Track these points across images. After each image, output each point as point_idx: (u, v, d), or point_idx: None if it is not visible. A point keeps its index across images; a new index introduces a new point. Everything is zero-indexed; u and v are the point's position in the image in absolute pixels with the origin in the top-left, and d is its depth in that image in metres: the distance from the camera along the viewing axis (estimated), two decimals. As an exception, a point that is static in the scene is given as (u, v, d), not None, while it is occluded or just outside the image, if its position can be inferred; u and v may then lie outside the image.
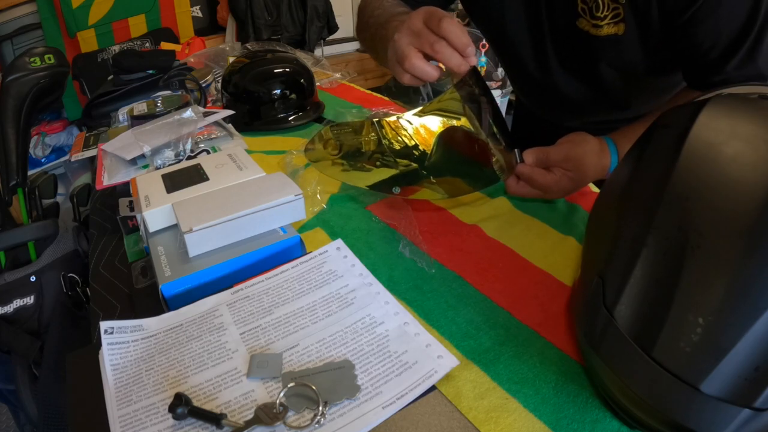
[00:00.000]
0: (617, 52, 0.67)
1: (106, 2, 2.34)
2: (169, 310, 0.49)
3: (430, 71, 0.57)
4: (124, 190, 0.74)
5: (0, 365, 1.01)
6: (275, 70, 1.00)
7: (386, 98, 1.15)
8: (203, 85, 1.12)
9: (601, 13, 0.63)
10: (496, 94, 2.76)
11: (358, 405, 0.39)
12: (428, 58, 0.57)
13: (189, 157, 0.76)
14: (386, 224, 0.65)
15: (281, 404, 0.39)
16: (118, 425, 0.38)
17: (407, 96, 2.96)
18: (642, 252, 0.36)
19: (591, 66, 0.73)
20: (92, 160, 0.98)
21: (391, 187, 0.65)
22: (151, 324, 0.47)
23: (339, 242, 0.56)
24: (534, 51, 0.77)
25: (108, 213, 0.77)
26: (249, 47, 1.26)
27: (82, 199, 1.25)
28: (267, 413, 0.38)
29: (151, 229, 0.56)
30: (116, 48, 2.38)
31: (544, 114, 0.95)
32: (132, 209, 0.65)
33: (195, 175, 0.63)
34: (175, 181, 0.61)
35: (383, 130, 0.69)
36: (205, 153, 0.79)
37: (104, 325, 0.45)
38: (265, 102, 0.97)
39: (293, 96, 0.99)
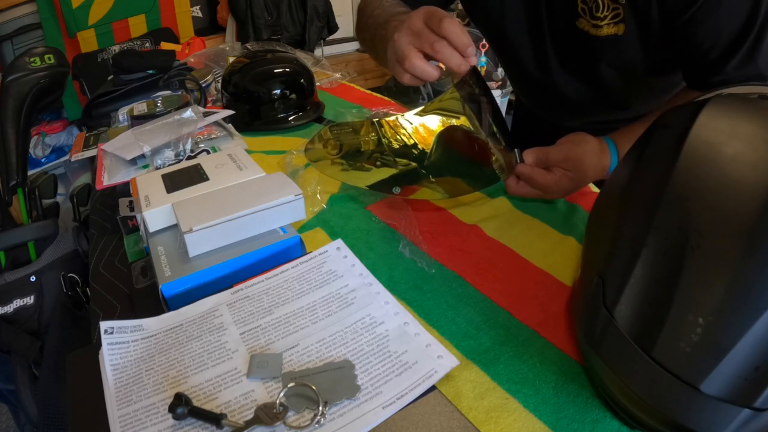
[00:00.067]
0: (617, 52, 0.67)
1: (106, 2, 2.34)
2: (169, 310, 0.49)
3: (430, 71, 0.57)
4: (124, 190, 0.74)
5: (0, 365, 1.01)
6: (275, 70, 1.00)
7: (386, 98, 1.15)
8: (203, 85, 1.12)
9: (601, 13, 0.63)
10: (496, 94, 2.76)
11: (358, 405, 0.39)
12: (428, 57, 0.57)
13: (189, 157, 0.76)
14: (386, 224, 0.65)
15: (281, 404, 0.39)
16: (118, 425, 0.38)
17: (407, 96, 2.97)
18: (642, 252, 0.36)
19: (591, 66, 0.73)
20: (92, 160, 0.98)
21: (391, 187, 0.65)
22: (151, 324, 0.47)
23: (339, 242, 0.56)
24: (534, 51, 0.77)
25: (108, 213, 0.77)
26: (249, 47, 1.26)
27: (82, 199, 1.25)
28: (267, 413, 0.38)
29: (151, 229, 0.57)
30: (116, 48, 2.39)
31: (544, 114, 0.95)
32: (132, 209, 0.65)
33: (195, 175, 0.63)
34: (175, 181, 0.61)
35: (383, 130, 0.69)
36: (205, 153, 0.79)
37: (104, 325, 0.45)
38: (265, 102, 0.97)
39: (293, 96, 0.99)
